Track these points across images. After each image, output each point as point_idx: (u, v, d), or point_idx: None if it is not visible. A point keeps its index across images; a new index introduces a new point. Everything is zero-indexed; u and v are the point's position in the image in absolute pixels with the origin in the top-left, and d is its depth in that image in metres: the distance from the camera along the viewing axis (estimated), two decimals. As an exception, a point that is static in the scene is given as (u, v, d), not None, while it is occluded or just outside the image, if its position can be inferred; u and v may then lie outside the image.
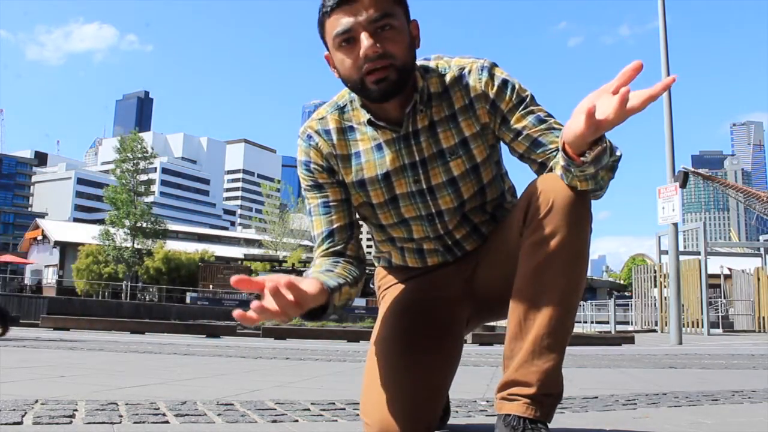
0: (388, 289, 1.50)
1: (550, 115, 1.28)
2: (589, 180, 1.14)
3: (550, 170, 1.24)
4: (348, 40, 1.19)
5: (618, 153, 1.16)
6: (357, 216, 1.42)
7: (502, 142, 1.35)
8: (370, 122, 1.31)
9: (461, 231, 1.38)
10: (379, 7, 1.18)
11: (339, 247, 1.35)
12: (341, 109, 1.36)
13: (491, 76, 1.29)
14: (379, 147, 1.32)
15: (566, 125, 1.10)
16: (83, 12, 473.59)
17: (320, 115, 1.38)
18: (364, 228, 1.51)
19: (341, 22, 1.19)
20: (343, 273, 1.27)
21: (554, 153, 1.23)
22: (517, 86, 1.28)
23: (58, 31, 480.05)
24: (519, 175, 1.40)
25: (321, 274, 1.22)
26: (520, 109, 1.27)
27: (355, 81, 1.22)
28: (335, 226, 1.35)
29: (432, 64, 1.33)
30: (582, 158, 1.09)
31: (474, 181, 1.34)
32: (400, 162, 1.32)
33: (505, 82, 1.28)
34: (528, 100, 1.28)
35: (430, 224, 1.37)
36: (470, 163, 1.32)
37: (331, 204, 1.36)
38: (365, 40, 1.17)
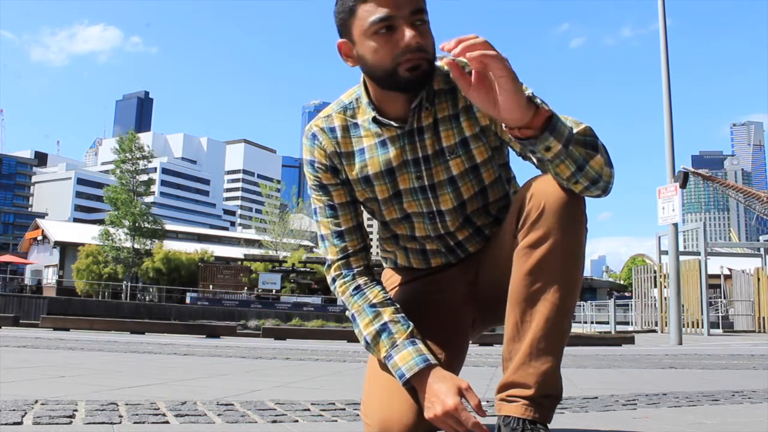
0: (393, 289, 1.50)
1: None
2: (565, 160, 1.11)
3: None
4: (388, 27, 1.19)
5: (582, 126, 1.13)
6: (364, 216, 1.43)
7: (505, 144, 1.34)
8: (374, 119, 1.31)
9: (464, 232, 1.39)
10: (417, 1, 1.20)
11: (352, 257, 1.35)
12: (346, 107, 1.36)
13: None
14: (383, 143, 1.33)
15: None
16: (88, 14, 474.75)
17: (326, 113, 1.39)
18: (369, 228, 1.51)
19: (381, 9, 1.18)
20: (395, 314, 1.29)
21: None
22: None
23: (62, 33, 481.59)
24: (529, 175, 1.36)
25: (408, 341, 1.26)
26: None
27: (387, 69, 1.21)
28: (343, 228, 1.36)
29: (437, 63, 1.33)
30: (520, 132, 1.10)
31: (474, 182, 1.34)
32: (404, 158, 1.32)
33: None
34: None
35: (430, 222, 1.37)
36: (469, 163, 1.32)
37: (336, 206, 1.37)
38: (408, 30, 1.18)
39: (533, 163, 1.28)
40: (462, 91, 1.11)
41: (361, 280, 1.34)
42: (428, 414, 1.17)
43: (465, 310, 1.42)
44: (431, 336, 1.32)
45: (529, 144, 1.11)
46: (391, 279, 1.53)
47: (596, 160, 1.13)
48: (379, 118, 1.30)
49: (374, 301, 1.31)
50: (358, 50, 1.24)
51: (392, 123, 1.30)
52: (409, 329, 1.27)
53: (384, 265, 1.58)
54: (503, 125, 1.13)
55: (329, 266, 1.37)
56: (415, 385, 1.21)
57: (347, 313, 1.35)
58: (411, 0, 1.19)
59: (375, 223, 1.50)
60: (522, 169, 1.35)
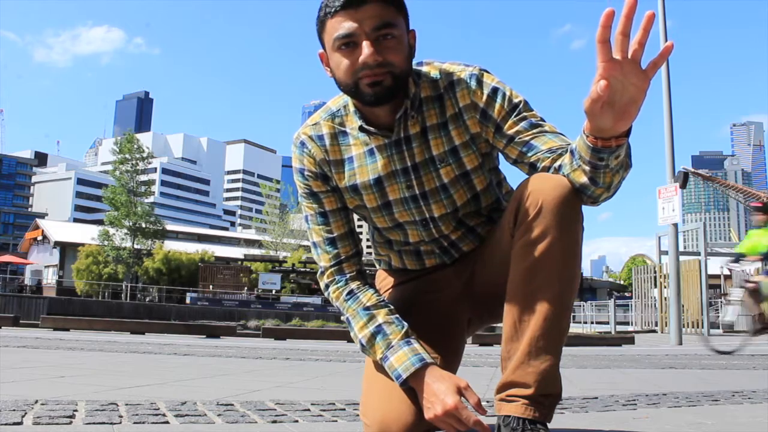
0: (388, 291, 1.51)
1: (543, 120, 1.27)
2: (620, 170, 1.11)
3: (542, 170, 1.23)
4: (348, 44, 1.19)
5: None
6: (355, 222, 1.43)
7: (497, 150, 1.33)
8: (361, 128, 1.31)
9: (457, 233, 1.39)
10: (384, 15, 1.19)
11: (344, 263, 1.36)
12: (334, 115, 1.36)
13: (480, 84, 1.28)
14: (371, 152, 1.33)
15: (590, 120, 1.03)
16: (91, 15, 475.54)
17: (314, 121, 1.39)
18: (364, 229, 1.52)
19: (344, 25, 1.18)
20: (389, 315, 1.30)
21: (546, 154, 1.23)
22: (508, 93, 1.28)
23: (65, 34, 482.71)
24: (518, 180, 1.38)
25: (403, 342, 1.26)
26: (513, 115, 1.26)
27: (348, 84, 1.23)
28: (335, 234, 1.37)
29: (424, 69, 1.33)
30: (617, 141, 1.04)
31: (465, 189, 1.34)
32: (392, 167, 1.32)
33: (495, 90, 1.28)
34: (521, 106, 1.27)
35: (424, 229, 1.37)
36: (460, 170, 1.32)
37: (327, 213, 1.37)
38: (366, 48, 1.17)
39: (524, 171, 1.28)
40: (598, 74, 0.96)
41: (354, 285, 1.34)
42: (428, 414, 1.17)
43: (460, 309, 1.42)
44: (427, 336, 1.33)
45: (605, 152, 1.06)
46: (385, 281, 1.54)
47: (628, 171, 1.14)
48: (366, 127, 1.30)
49: (368, 304, 1.31)
50: (330, 62, 1.26)
51: (379, 132, 1.30)
52: (404, 330, 1.27)
53: (377, 266, 1.59)
54: (587, 130, 1.05)
55: (322, 273, 1.38)
56: (412, 385, 1.22)
57: (342, 317, 1.36)
58: (376, 15, 1.18)
59: (366, 224, 1.50)
60: (513, 170, 1.34)
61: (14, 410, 1.61)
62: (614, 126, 1.01)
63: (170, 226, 41.31)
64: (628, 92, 0.98)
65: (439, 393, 1.16)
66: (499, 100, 1.27)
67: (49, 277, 37.96)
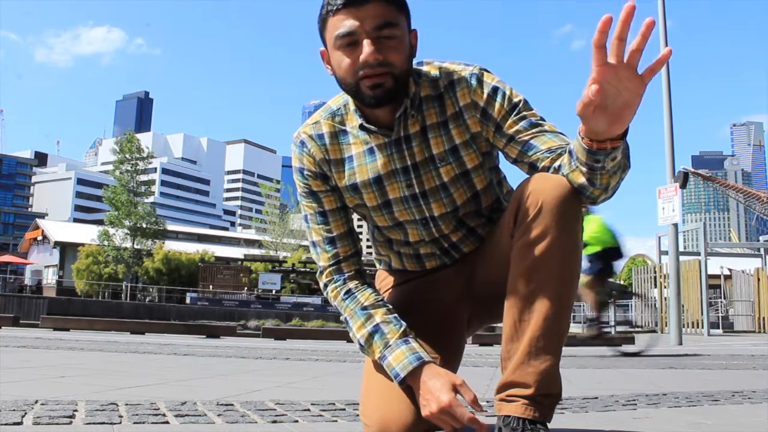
0: (388, 291, 1.51)
1: (542, 119, 1.27)
2: (618, 171, 1.11)
3: (542, 170, 1.23)
4: (349, 42, 1.19)
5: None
6: (355, 222, 1.43)
7: (497, 149, 1.34)
8: (362, 127, 1.31)
9: (457, 234, 1.39)
10: (385, 14, 1.19)
11: (343, 263, 1.36)
12: (335, 113, 1.37)
13: (480, 83, 1.28)
14: (371, 151, 1.33)
15: (584, 123, 1.03)
16: (92, 16, 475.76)
17: (314, 120, 1.39)
18: (363, 229, 1.52)
19: (345, 23, 1.19)
20: (386, 315, 1.30)
21: (545, 154, 1.23)
22: (508, 92, 1.28)
23: (66, 35, 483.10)
24: (518, 179, 1.26)
25: (401, 341, 1.26)
26: (513, 115, 1.26)
27: (350, 84, 1.23)
28: (334, 234, 1.37)
29: (424, 68, 1.33)
30: (612, 143, 1.04)
31: (465, 188, 1.34)
32: (392, 166, 1.32)
33: (495, 89, 1.28)
34: (521, 105, 1.27)
35: (424, 228, 1.37)
36: (460, 169, 1.32)
37: (327, 213, 1.37)
38: (367, 46, 1.18)
39: (524, 170, 1.28)
40: (591, 78, 0.96)
41: (352, 284, 1.35)
42: (424, 412, 1.17)
43: (460, 309, 1.42)
44: (427, 336, 1.33)
45: (600, 154, 1.06)
46: (385, 281, 1.54)
47: (626, 172, 1.14)
48: (366, 125, 1.30)
49: (365, 303, 1.31)
50: (331, 60, 1.26)
51: (379, 131, 1.30)
52: (402, 329, 1.28)
53: (377, 266, 1.59)
54: (582, 132, 1.06)
55: (321, 272, 1.38)
56: (410, 384, 1.22)
57: (341, 317, 1.37)
58: (377, 14, 1.18)
59: (366, 224, 1.50)
60: (512, 169, 1.28)
61: (14, 410, 1.61)
62: (608, 129, 1.02)
63: (170, 226, 41.29)
64: (622, 97, 0.97)
65: (435, 390, 1.16)
66: (499, 99, 1.27)
67: (49, 277, 37.94)
